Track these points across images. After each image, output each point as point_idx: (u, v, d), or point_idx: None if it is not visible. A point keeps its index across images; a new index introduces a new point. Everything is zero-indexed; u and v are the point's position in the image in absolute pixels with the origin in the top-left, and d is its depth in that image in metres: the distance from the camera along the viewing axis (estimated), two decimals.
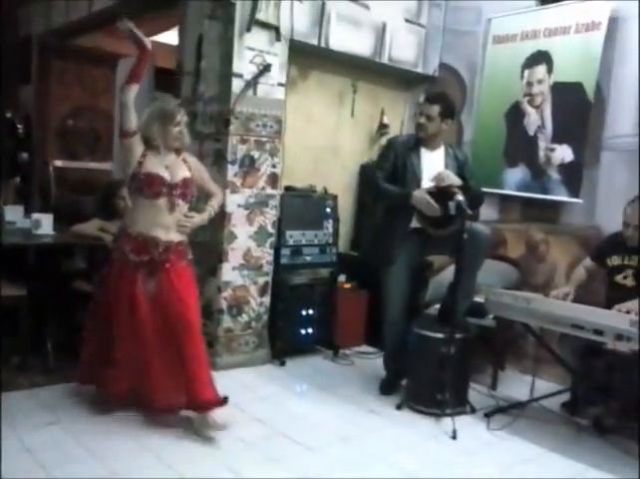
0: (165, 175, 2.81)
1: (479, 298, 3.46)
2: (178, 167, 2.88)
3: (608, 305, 3.03)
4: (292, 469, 2.59)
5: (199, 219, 2.97)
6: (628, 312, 2.80)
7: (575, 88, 3.78)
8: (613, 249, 3.27)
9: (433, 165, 3.36)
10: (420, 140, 3.40)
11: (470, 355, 3.37)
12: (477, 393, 3.51)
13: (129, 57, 4.91)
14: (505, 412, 3.27)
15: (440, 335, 3.21)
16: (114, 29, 5.23)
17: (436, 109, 3.31)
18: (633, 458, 2.84)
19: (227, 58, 3.59)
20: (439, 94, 3.54)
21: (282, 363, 3.88)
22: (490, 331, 3.68)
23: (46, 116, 6.01)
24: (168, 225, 2.84)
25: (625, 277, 3.20)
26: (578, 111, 3.78)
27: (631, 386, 2.94)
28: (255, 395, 3.37)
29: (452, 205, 3.10)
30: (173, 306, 2.78)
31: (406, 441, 2.95)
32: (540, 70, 3.99)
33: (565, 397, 3.41)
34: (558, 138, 3.89)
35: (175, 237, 2.87)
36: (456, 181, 3.20)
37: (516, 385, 3.65)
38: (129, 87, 2.71)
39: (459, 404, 3.25)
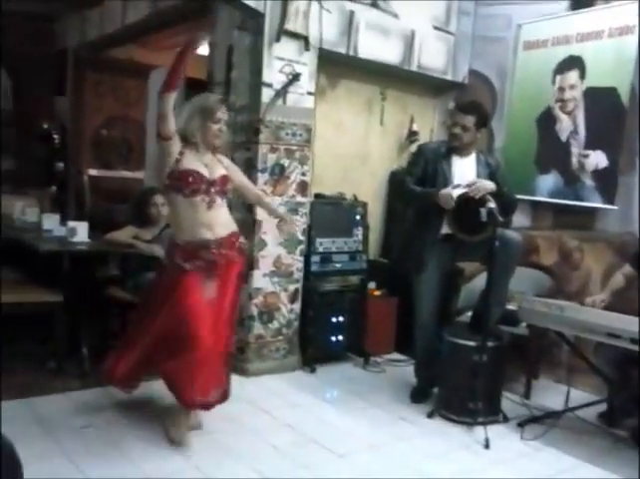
0: (204, 171, 2.75)
1: (511, 306, 3.43)
2: (216, 165, 2.83)
3: None
4: (322, 476, 2.59)
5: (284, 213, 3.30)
6: None
7: (609, 93, 3.72)
8: None
9: (464, 172, 3.35)
10: (452, 147, 3.39)
11: (502, 364, 3.32)
12: (510, 402, 3.46)
13: (161, 68, 5.01)
14: (539, 422, 3.21)
15: (472, 343, 3.17)
16: (147, 41, 5.33)
17: (471, 119, 3.30)
18: None
19: (257, 68, 3.64)
20: (473, 103, 3.52)
21: (312, 370, 3.89)
22: (524, 340, 3.63)
23: (80, 126, 6.15)
24: (210, 222, 2.76)
25: None
26: (612, 116, 3.72)
27: None
28: (285, 401, 3.38)
29: (483, 211, 3.08)
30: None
31: (437, 450, 2.93)
32: (573, 75, 3.94)
33: (602, 408, 3.34)
34: (592, 144, 3.84)
35: (222, 231, 2.79)
36: (490, 188, 3.19)
37: (550, 395, 3.59)
38: (166, 95, 2.63)
39: (491, 413, 3.21)
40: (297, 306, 3.91)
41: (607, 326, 2.80)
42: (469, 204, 3.16)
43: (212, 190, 2.75)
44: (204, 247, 2.74)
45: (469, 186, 3.20)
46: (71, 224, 3.85)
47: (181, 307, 2.68)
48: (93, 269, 3.94)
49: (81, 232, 3.77)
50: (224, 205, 2.85)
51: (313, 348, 3.96)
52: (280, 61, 3.67)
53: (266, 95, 3.64)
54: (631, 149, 3.70)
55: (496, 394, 3.30)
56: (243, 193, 3.13)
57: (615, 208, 3.72)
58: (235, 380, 3.61)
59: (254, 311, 3.73)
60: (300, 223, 3.84)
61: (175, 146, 2.72)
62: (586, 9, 3.92)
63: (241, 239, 2.91)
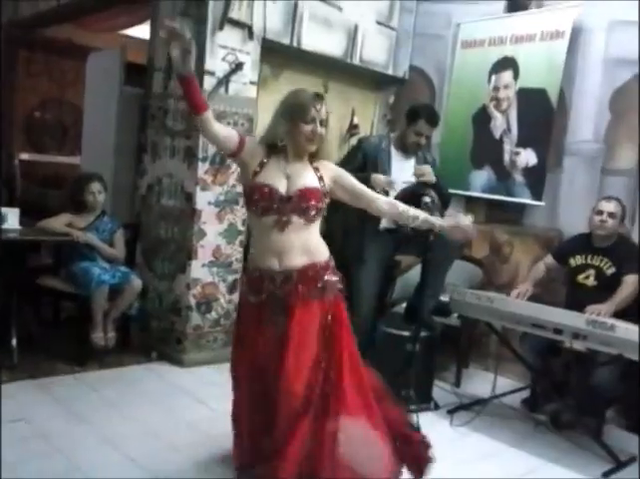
0: (280, 185, 2.21)
1: (444, 298, 3.55)
2: (303, 176, 2.25)
3: (568, 305, 3.15)
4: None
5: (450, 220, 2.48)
6: (599, 314, 2.91)
7: (540, 94, 3.88)
8: (577, 249, 3.36)
9: (403, 167, 3.43)
10: (391, 142, 3.47)
11: (434, 353, 3.45)
12: (441, 390, 3.59)
13: (99, 50, 4.87)
14: (468, 409, 3.36)
15: (405, 333, 3.28)
16: (85, 22, 5.12)
17: (432, 130, 3.49)
18: (589, 453, 2.96)
19: (199, 55, 3.59)
20: (438, 115, 3.59)
21: None
22: (455, 330, 3.78)
23: (12, 107, 5.90)
24: (282, 249, 2.21)
25: (587, 277, 3.30)
26: (542, 116, 3.88)
27: (587, 384, 3.05)
28: (223, 392, 3.34)
29: (424, 204, 3.17)
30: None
31: None
32: (507, 75, 4.09)
33: (526, 394, 3.53)
34: (523, 142, 4.00)
35: (299, 261, 2.22)
36: (432, 179, 3.30)
37: (479, 382, 3.75)
38: (198, 117, 2.16)
39: (423, 401, 3.33)
40: (236, 297, 3.92)
41: (532, 317, 2.96)
42: (409, 197, 3.24)
43: (287, 207, 2.18)
44: (269, 278, 2.22)
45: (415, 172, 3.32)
46: (1, 210, 3.71)
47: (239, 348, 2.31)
48: (24, 258, 3.81)
49: (11, 218, 3.63)
50: (308, 227, 2.25)
51: None
52: (223, 49, 3.65)
53: (208, 83, 3.60)
54: (558, 148, 3.89)
55: (428, 383, 3.42)
56: (362, 206, 2.45)
57: (542, 204, 3.90)
58: (172, 371, 3.62)
59: (192, 302, 3.72)
60: (240, 213, 3.85)
61: (251, 157, 2.25)
62: (521, 12, 4.07)
63: (330, 274, 2.30)
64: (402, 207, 2.43)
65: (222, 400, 3.22)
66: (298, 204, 2.20)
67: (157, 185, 3.91)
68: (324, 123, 2.26)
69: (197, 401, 3.21)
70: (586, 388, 3.06)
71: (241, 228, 3.87)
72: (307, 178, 2.26)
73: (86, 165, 4.62)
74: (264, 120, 4.05)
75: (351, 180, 2.38)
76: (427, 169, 3.35)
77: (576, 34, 3.78)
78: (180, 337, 3.73)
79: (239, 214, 3.83)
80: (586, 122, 3.80)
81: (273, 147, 2.26)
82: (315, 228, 2.31)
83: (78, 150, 5.65)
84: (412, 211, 2.44)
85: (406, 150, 3.47)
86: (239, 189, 3.82)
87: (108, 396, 3.15)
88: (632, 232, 3.52)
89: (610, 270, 3.21)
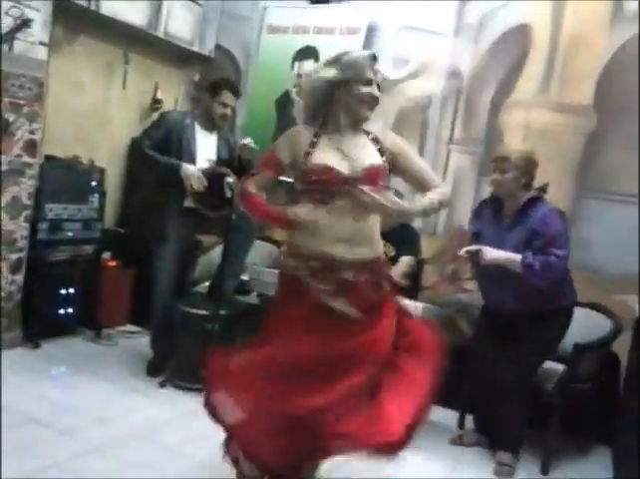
0: (341, 165, 1.98)
1: (244, 277, 3.62)
2: (364, 150, 2.03)
3: None
4: (42, 455, 2.45)
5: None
6: None
7: None
8: None
9: (207, 144, 3.42)
10: (195, 118, 3.42)
11: (233, 331, 3.50)
12: None
13: None
14: None
15: (204, 312, 3.29)
16: None
17: (236, 101, 3.50)
18: None
19: None
20: (239, 87, 3.62)
21: (36, 346, 3.61)
22: (255, 308, 3.87)
23: None
24: (350, 236, 2.00)
25: None
26: None
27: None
28: (2, 381, 3.09)
29: (227, 187, 3.19)
30: None
31: (166, 417, 2.98)
32: (309, 64, 4.27)
33: None
34: None
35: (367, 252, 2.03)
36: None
37: None
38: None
39: None
40: (20, 278, 3.58)
41: None
42: (212, 177, 3.23)
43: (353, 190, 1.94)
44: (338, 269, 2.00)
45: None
46: None
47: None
48: None
49: None
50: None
51: (38, 323, 3.67)
52: (6, 1, 3.27)
53: None
54: None
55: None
56: (414, 184, 2.16)
57: None
58: None
59: None
60: (27, 186, 3.51)
61: (298, 143, 2.05)
62: (323, 5, 4.26)
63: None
64: (436, 193, 2.11)
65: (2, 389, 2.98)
66: (370, 182, 1.95)
67: None
68: (380, 88, 2.04)
69: None
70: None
71: (27, 202, 3.53)
72: (369, 153, 2.02)
73: None
74: (56, 86, 3.79)
75: (413, 162, 2.10)
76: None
77: (371, 32, 4.07)
78: None
79: (25, 187, 3.49)
80: None
81: (322, 121, 2.03)
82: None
83: None
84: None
85: (212, 125, 3.44)
86: (26, 158, 3.49)
87: None
88: None
89: (392, 254, 3.52)
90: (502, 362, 2.88)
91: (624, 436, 2.90)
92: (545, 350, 2.96)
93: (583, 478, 2.97)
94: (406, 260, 3.49)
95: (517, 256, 2.73)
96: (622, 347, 3.08)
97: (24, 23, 3.34)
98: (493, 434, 3.03)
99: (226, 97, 3.39)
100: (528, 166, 2.82)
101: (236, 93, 3.45)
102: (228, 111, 3.42)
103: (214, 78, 3.67)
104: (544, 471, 2.95)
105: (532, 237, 2.76)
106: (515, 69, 3.79)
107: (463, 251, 2.80)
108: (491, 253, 2.74)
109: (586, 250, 3.24)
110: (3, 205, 3.41)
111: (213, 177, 3.24)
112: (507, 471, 2.85)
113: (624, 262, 3.36)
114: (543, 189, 2.89)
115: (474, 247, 2.79)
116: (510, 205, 2.88)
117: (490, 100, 3.85)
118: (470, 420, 3.24)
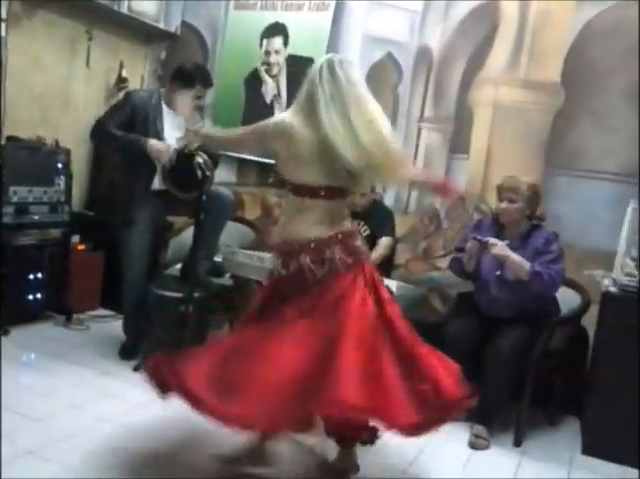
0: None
1: (217, 258, 3.59)
2: None
3: None
4: (16, 443, 2.41)
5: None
6: None
7: (308, 63, 4.01)
8: None
9: (174, 124, 3.34)
10: (162, 97, 3.35)
11: (208, 313, 3.49)
12: None
13: None
14: None
15: (178, 294, 3.26)
16: None
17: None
18: None
19: None
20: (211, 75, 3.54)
21: (5, 333, 3.53)
22: (229, 289, 3.85)
23: None
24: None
25: None
26: None
27: None
28: None
29: (198, 167, 3.13)
30: None
31: (140, 401, 2.95)
32: (277, 41, 4.20)
33: None
34: None
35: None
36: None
37: None
38: None
39: None
40: None
41: None
42: (181, 159, 3.17)
43: None
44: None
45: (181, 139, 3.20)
46: None
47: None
48: None
49: None
50: None
51: (7, 309, 3.58)
52: None
53: None
54: None
55: (202, 341, 3.45)
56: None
57: None
58: None
59: None
60: None
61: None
62: None
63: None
64: None
65: None
66: None
67: None
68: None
69: None
70: None
71: None
72: None
73: None
74: (15, 64, 3.66)
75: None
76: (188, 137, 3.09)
77: (340, 9, 4.02)
78: None
79: None
80: None
81: None
82: None
83: None
84: None
85: (164, 98, 3.36)
86: None
87: None
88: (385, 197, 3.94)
89: (366, 233, 3.54)
90: (484, 339, 2.97)
91: (592, 407, 3.00)
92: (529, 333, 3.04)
93: (554, 448, 3.06)
94: (385, 242, 3.51)
95: (527, 262, 2.92)
96: (590, 321, 3.17)
97: None
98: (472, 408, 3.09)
99: (200, 90, 3.31)
100: (535, 198, 3.06)
101: (210, 83, 3.38)
102: (202, 102, 3.35)
103: (186, 66, 3.37)
104: (517, 443, 3.03)
105: (535, 256, 2.98)
106: (485, 46, 3.79)
107: (471, 237, 3.00)
108: (504, 248, 2.93)
109: (557, 227, 3.29)
110: None
111: (183, 157, 3.18)
112: (483, 444, 2.92)
113: (593, 238, 3.44)
114: (541, 218, 3.14)
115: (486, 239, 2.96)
116: (512, 230, 3.10)
117: (461, 77, 3.86)
118: None
